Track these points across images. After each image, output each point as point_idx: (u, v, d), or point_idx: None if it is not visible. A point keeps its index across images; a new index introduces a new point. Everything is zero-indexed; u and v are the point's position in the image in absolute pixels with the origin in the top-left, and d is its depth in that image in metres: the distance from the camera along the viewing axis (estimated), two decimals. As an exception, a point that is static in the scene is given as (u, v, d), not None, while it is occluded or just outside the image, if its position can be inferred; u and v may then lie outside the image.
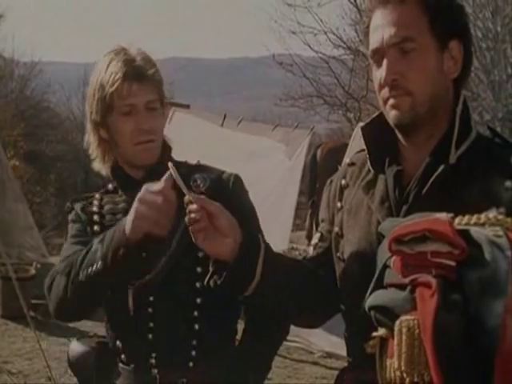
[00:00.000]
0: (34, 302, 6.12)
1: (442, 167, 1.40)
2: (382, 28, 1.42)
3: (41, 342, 4.58)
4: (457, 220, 1.28)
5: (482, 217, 1.27)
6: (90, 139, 1.85)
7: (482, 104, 11.14)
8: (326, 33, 15.69)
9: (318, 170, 9.47)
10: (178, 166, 1.79)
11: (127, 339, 1.81)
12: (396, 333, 1.22)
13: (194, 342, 1.77)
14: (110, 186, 1.90)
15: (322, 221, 1.66)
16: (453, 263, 1.23)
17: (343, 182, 1.62)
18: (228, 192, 1.80)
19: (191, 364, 1.77)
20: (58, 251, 8.25)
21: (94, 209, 1.87)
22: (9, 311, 6.18)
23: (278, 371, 4.92)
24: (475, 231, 1.26)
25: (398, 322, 1.22)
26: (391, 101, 1.44)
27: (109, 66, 1.77)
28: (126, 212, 1.79)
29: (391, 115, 1.45)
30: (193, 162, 1.89)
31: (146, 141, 1.78)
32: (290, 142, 8.50)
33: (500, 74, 11.13)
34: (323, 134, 16.69)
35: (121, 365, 1.83)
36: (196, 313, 1.77)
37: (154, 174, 1.76)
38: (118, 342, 1.82)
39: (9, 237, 6.46)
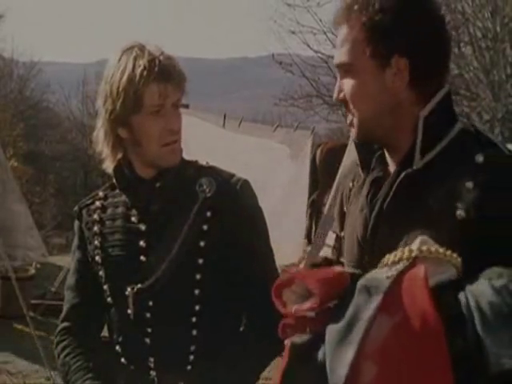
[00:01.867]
0: (33, 301, 6.14)
1: (402, 174, 1.39)
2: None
3: (40, 342, 4.59)
4: (385, 259, 1.29)
5: (399, 253, 1.27)
6: (102, 137, 1.78)
7: (482, 104, 11.15)
8: (325, 32, 15.69)
9: (318, 170, 9.47)
10: (187, 166, 1.82)
11: (125, 342, 1.81)
12: None
13: (193, 348, 1.77)
14: (115, 181, 1.85)
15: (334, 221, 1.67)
16: (312, 314, 1.28)
17: (350, 184, 1.61)
18: (235, 197, 1.77)
19: (189, 367, 1.77)
20: (57, 251, 8.28)
21: (95, 216, 1.85)
22: (8, 311, 6.19)
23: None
24: (365, 277, 1.27)
25: None
26: (348, 118, 1.49)
27: (136, 64, 1.70)
28: (124, 218, 1.80)
29: (350, 132, 1.50)
30: (202, 162, 1.85)
31: (173, 141, 1.75)
32: (293, 144, 8.50)
33: (499, 73, 11.14)
34: (323, 134, 16.71)
35: (120, 366, 1.83)
36: (194, 319, 1.76)
37: (166, 173, 1.77)
38: (117, 345, 1.83)
39: (11, 238, 6.45)
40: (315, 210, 9.42)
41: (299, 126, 9.41)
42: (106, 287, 1.82)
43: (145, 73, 1.69)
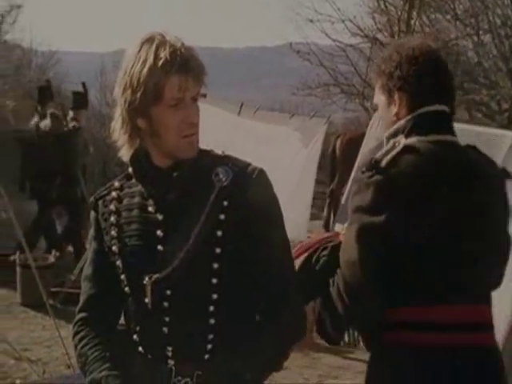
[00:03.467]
0: (53, 290, 6.19)
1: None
2: None
3: (60, 330, 4.62)
4: None
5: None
6: (119, 126, 1.78)
7: (501, 92, 11.04)
8: (343, 21, 15.62)
9: (338, 161, 9.45)
10: (203, 155, 1.82)
11: (143, 332, 1.83)
12: None
13: (210, 336, 1.77)
14: (131, 170, 1.86)
15: None
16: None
17: None
18: (252, 186, 1.78)
19: (207, 356, 1.78)
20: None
21: (112, 207, 1.86)
22: (28, 299, 6.25)
23: (295, 361, 4.94)
24: None
25: None
26: None
27: (157, 56, 1.69)
28: (141, 208, 1.81)
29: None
30: (218, 152, 1.85)
31: (192, 134, 1.75)
32: (306, 130, 8.47)
33: (519, 61, 11.02)
34: (340, 123, 16.63)
35: (138, 355, 1.84)
36: (212, 308, 1.77)
37: (183, 163, 1.77)
38: (134, 334, 1.84)
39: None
40: (334, 199, 9.40)
41: (316, 114, 9.39)
42: (123, 277, 1.83)
43: (166, 65, 1.68)
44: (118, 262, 1.83)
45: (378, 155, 2.04)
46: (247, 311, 1.81)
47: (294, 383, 4.92)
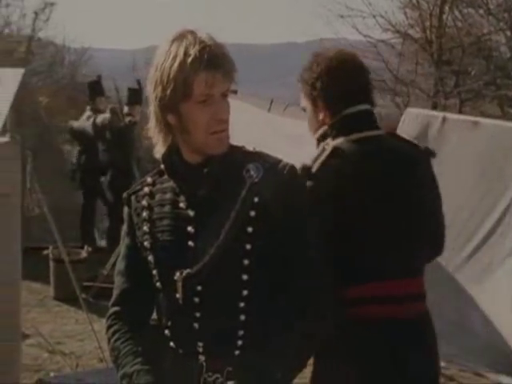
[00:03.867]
0: (85, 284, 6.26)
1: None
2: None
3: (93, 324, 4.67)
4: None
5: None
6: (153, 123, 1.80)
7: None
8: (374, 16, 15.54)
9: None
10: (234, 151, 1.82)
11: (174, 327, 1.84)
12: None
13: (241, 333, 1.78)
14: (163, 167, 1.87)
15: None
16: None
17: None
18: (282, 183, 1.77)
19: (237, 353, 1.78)
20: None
21: (144, 202, 1.86)
22: (61, 293, 6.33)
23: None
24: None
25: None
26: None
27: (187, 52, 1.70)
28: (172, 204, 1.82)
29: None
30: (249, 148, 1.86)
31: (221, 130, 1.75)
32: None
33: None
34: (370, 120, 16.47)
35: (169, 350, 1.86)
36: (242, 304, 1.77)
37: (214, 159, 1.77)
38: (166, 329, 1.85)
39: (63, 221, 6.61)
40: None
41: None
42: (154, 272, 1.84)
43: (195, 61, 1.69)
44: (150, 258, 1.84)
45: (309, 160, 2.24)
46: (277, 308, 1.79)
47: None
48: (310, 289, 1.78)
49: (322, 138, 2.34)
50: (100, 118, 7.76)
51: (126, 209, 1.92)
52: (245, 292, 1.76)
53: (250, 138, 1.95)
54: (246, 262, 1.75)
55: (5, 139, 3.51)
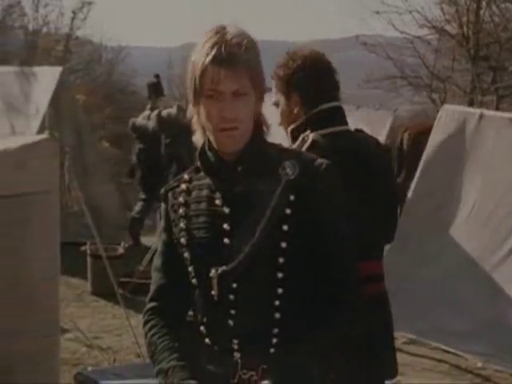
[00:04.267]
0: (122, 280, 6.32)
1: None
2: None
3: (130, 319, 4.72)
4: None
5: None
6: (194, 119, 1.83)
7: None
8: (410, 12, 15.40)
9: (405, 154, 9.33)
10: (270, 148, 1.82)
11: (210, 324, 1.84)
12: None
13: (275, 331, 1.77)
14: (199, 164, 1.88)
15: None
16: None
17: None
18: (319, 180, 1.77)
19: (272, 350, 1.78)
20: (144, 231, 8.48)
21: (181, 199, 1.87)
22: (99, 288, 6.39)
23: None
24: None
25: None
26: None
27: (203, 47, 1.72)
28: (208, 200, 1.82)
29: None
30: (286, 145, 1.88)
31: (230, 128, 1.74)
32: (373, 123, 8.39)
33: None
34: (406, 116, 16.37)
35: (204, 346, 1.87)
36: (277, 302, 1.76)
37: (248, 156, 1.78)
38: (201, 325, 1.86)
39: (100, 217, 6.69)
40: (400, 194, 9.28)
41: (382, 107, 9.29)
42: (190, 269, 1.85)
43: (205, 55, 1.71)
44: (186, 254, 1.85)
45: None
46: (313, 306, 1.78)
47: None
48: (346, 288, 1.78)
49: (296, 131, 2.54)
50: (165, 112, 7.80)
51: (163, 205, 1.93)
52: (280, 290, 1.76)
53: (284, 133, 1.94)
54: (281, 260, 1.75)
55: (44, 136, 3.56)
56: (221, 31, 1.73)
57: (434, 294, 5.44)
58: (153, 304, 1.93)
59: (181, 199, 1.87)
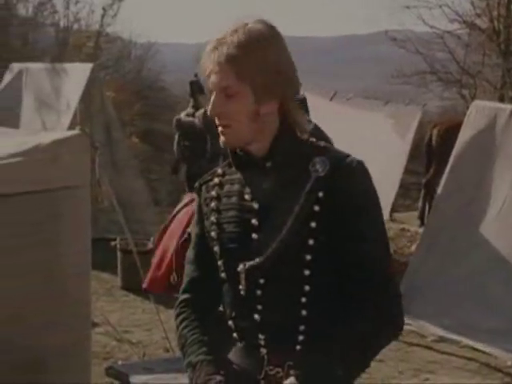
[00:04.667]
0: (151, 275, 6.36)
1: None
2: None
3: (160, 314, 4.75)
4: None
5: None
6: None
7: None
8: (440, 6, 15.29)
9: (434, 150, 9.26)
10: (301, 144, 1.80)
11: (237, 318, 1.84)
12: None
13: (302, 328, 1.76)
14: (230, 159, 1.88)
15: None
16: None
17: None
18: (349, 177, 1.74)
19: (298, 347, 1.77)
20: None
21: (213, 193, 1.88)
22: (129, 283, 6.44)
23: (389, 354, 4.87)
24: None
25: None
26: None
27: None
28: (239, 195, 1.82)
29: None
30: (319, 142, 1.82)
31: (222, 125, 1.76)
32: (401, 118, 8.35)
33: None
34: (435, 112, 16.22)
35: (233, 341, 1.87)
36: (304, 299, 1.75)
37: (277, 152, 1.77)
38: (229, 320, 1.86)
39: (130, 213, 6.75)
40: (429, 190, 9.22)
41: (411, 103, 9.23)
42: (220, 263, 1.85)
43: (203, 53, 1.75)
44: (216, 248, 1.86)
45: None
46: (341, 305, 1.75)
47: (389, 376, 4.89)
48: (371, 287, 1.74)
49: None
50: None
51: (196, 198, 1.94)
52: (306, 287, 1.75)
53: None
54: (308, 257, 1.74)
55: (75, 132, 3.59)
56: (231, 28, 1.73)
57: (463, 291, 5.40)
58: (185, 296, 1.94)
59: (213, 193, 1.87)
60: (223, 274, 1.85)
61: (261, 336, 1.79)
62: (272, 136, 1.77)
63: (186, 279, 1.96)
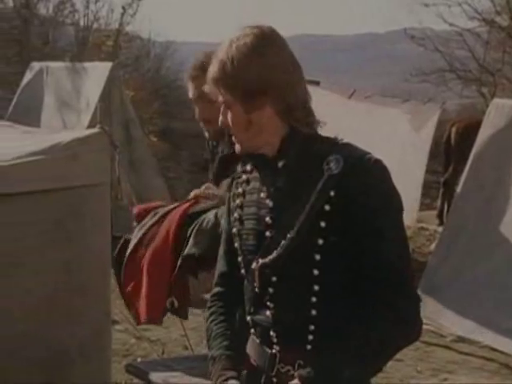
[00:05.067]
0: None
1: None
2: None
3: (179, 313, 4.77)
4: None
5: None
6: None
7: None
8: (460, 4, 15.18)
9: (452, 149, 9.21)
10: (317, 142, 1.79)
11: (253, 314, 1.86)
12: None
13: (312, 327, 1.76)
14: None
15: None
16: None
17: None
18: (362, 177, 1.71)
19: (309, 347, 1.76)
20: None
21: (240, 189, 1.90)
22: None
23: (408, 353, 4.86)
24: None
25: None
26: None
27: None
28: (258, 193, 1.84)
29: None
30: (338, 139, 1.80)
31: (231, 134, 1.84)
32: (419, 115, 8.31)
33: None
34: (454, 110, 16.10)
35: (250, 336, 1.89)
36: (314, 299, 1.75)
37: (289, 151, 1.78)
38: (248, 315, 1.88)
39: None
40: (448, 189, 9.17)
41: (430, 101, 9.17)
42: (239, 259, 1.88)
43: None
44: (236, 244, 1.88)
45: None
46: (354, 306, 1.73)
47: (408, 375, 4.87)
48: (387, 288, 1.71)
49: None
50: None
51: (227, 193, 1.98)
52: (316, 287, 1.74)
53: (329, 125, 1.90)
54: (317, 256, 1.73)
55: (95, 130, 3.62)
56: (231, 38, 1.78)
57: (483, 291, 5.37)
58: (216, 290, 2.00)
59: (240, 190, 1.90)
60: (243, 271, 1.87)
61: (273, 333, 1.81)
62: (280, 137, 1.78)
63: (217, 273, 2.01)
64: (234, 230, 1.88)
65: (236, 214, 1.88)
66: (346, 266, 1.73)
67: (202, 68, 2.65)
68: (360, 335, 1.70)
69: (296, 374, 1.71)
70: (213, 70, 1.78)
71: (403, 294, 1.73)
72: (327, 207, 1.71)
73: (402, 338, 1.75)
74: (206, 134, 3.34)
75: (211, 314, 1.96)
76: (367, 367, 1.72)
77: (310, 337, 1.76)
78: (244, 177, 1.90)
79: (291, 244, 1.73)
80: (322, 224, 1.71)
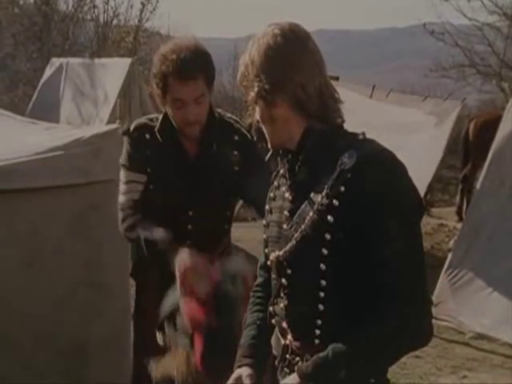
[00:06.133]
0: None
1: None
2: None
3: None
4: None
5: None
6: None
7: None
8: (480, -2, 15.05)
9: (471, 145, 9.15)
10: (340, 138, 1.78)
11: (273, 305, 1.89)
12: None
13: (319, 322, 1.76)
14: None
15: None
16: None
17: None
18: (376, 174, 1.69)
19: (317, 342, 1.77)
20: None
21: (275, 183, 1.94)
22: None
23: (427, 350, 4.83)
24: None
25: None
26: None
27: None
28: (283, 186, 1.87)
29: None
30: (359, 135, 1.80)
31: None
32: (441, 114, 8.26)
33: None
34: (473, 106, 15.95)
35: (272, 326, 1.92)
36: (322, 294, 1.75)
37: (308, 146, 1.79)
38: (270, 305, 1.90)
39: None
40: (467, 185, 9.12)
41: (449, 97, 9.12)
42: (266, 250, 1.92)
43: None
44: (264, 235, 1.93)
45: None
46: (361, 304, 1.72)
47: (427, 372, 4.86)
48: (394, 292, 1.68)
49: None
50: None
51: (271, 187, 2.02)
52: (323, 282, 1.74)
53: (351, 124, 1.89)
54: (324, 251, 1.72)
55: (115, 126, 3.64)
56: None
57: (502, 290, 5.34)
58: (257, 281, 2.07)
59: (276, 182, 1.94)
60: (269, 262, 1.90)
61: (285, 325, 1.84)
62: (300, 132, 1.80)
63: (259, 264, 2.07)
64: (264, 221, 1.93)
65: (267, 206, 1.93)
66: (353, 263, 1.71)
67: None
68: (361, 338, 1.68)
69: (296, 367, 1.75)
70: (239, 71, 1.85)
71: (413, 300, 1.69)
72: (336, 202, 1.70)
73: (405, 345, 1.72)
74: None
75: (250, 304, 2.04)
76: (365, 369, 1.71)
77: (318, 331, 1.76)
78: (281, 171, 1.92)
79: (302, 238, 1.75)
80: (330, 219, 1.70)
